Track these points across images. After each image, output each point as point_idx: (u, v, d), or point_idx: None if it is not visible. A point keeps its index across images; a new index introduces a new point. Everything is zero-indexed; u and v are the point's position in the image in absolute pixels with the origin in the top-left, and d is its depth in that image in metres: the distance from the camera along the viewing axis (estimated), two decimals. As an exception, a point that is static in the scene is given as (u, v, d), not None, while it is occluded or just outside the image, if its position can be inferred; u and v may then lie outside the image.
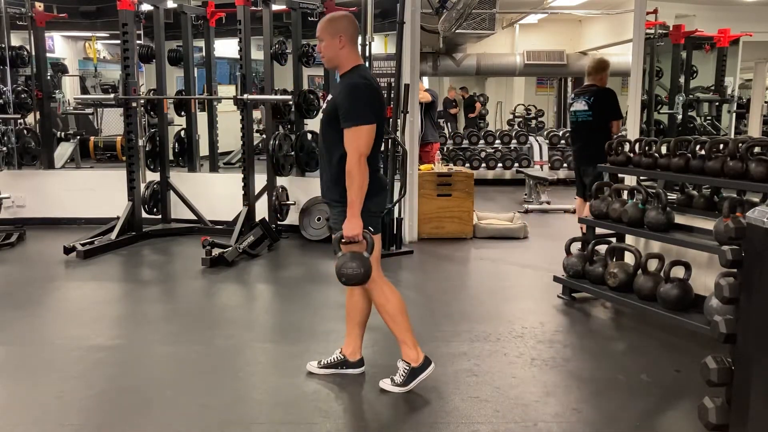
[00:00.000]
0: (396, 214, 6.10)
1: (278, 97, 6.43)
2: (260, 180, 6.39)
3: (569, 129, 6.43)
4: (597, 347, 3.83)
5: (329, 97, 3.05)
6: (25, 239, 6.40)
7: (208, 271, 5.35)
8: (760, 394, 2.03)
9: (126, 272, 5.62)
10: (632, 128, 5.07)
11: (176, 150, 7.32)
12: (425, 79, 12.59)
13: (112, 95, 7.31)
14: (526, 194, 9.19)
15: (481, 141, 11.23)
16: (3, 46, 6.87)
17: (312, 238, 6.42)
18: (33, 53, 7.10)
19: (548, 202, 8.64)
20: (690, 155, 4.00)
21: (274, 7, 6.74)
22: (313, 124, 7.24)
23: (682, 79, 6.28)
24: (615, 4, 9.94)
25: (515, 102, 14.27)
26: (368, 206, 2.96)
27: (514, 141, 11.19)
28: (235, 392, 3.16)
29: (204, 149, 7.79)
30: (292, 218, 6.65)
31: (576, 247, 4.64)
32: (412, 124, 6.38)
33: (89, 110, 10.89)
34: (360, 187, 2.84)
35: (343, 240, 2.91)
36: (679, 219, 4.17)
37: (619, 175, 4.74)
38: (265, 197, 6.44)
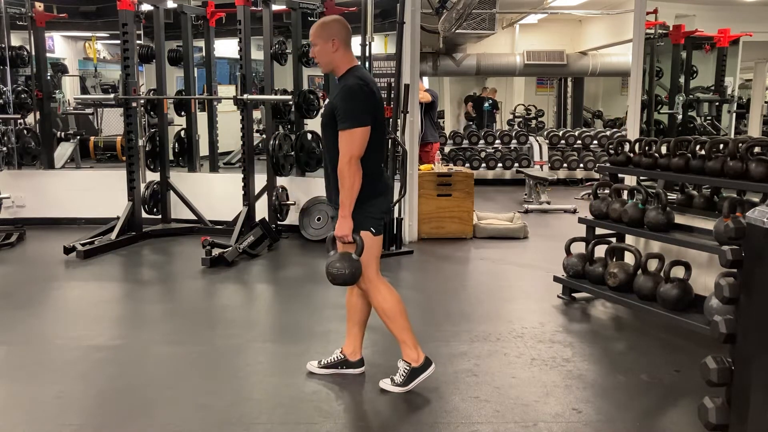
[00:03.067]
0: (396, 214, 6.10)
1: (278, 97, 6.43)
2: (260, 180, 6.39)
3: None
4: (597, 347, 3.83)
5: (327, 100, 3.05)
6: (25, 239, 6.40)
7: (208, 271, 5.35)
8: (760, 394, 2.03)
9: (126, 272, 5.62)
10: (632, 128, 5.07)
11: (176, 150, 7.32)
12: (425, 79, 12.58)
13: (112, 95, 7.30)
14: (526, 194, 9.19)
15: (481, 141, 11.24)
16: (3, 46, 6.87)
17: (312, 238, 6.42)
18: (33, 53, 7.10)
19: (548, 202, 8.64)
20: (690, 155, 4.00)
21: (274, 7, 6.74)
22: (313, 124, 7.25)
23: (682, 79, 6.28)
24: (615, 4, 9.94)
25: (515, 102, 14.25)
26: (371, 208, 2.99)
27: (514, 141, 11.19)
28: (235, 392, 3.16)
29: (204, 149, 7.79)
30: (292, 218, 6.65)
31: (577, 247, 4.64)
32: (412, 124, 6.38)
33: (89, 110, 10.88)
34: (351, 188, 2.86)
35: (335, 239, 2.97)
36: (679, 219, 4.17)
37: (619, 175, 4.74)
38: (265, 197, 6.44)
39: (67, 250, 5.71)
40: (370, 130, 2.89)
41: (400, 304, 3.10)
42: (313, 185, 6.63)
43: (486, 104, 13.60)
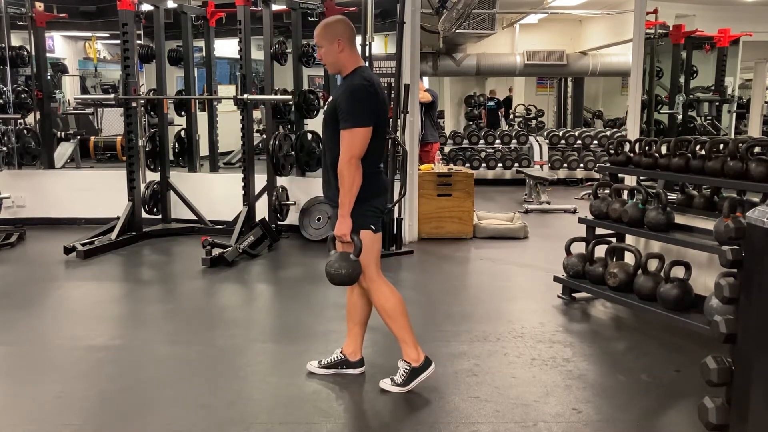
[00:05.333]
0: (396, 214, 6.10)
1: (278, 97, 6.43)
2: (260, 180, 6.39)
3: None
4: (597, 347, 3.83)
5: (330, 98, 3.05)
6: (25, 239, 6.40)
7: (208, 271, 5.35)
8: (760, 394, 2.03)
9: (126, 272, 5.62)
10: (632, 128, 5.07)
11: (176, 150, 7.32)
12: (425, 79, 12.59)
13: (112, 95, 7.31)
14: (526, 194, 9.19)
15: (481, 141, 11.24)
16: (3, 46, 6.87)
17: (312, 238, 6.43)
18: (33, 53, 7.10)
19: (548, 202, 8.64)
20: (690, 155, 4.00)
21: (274, 7, 6.74)
22: (313, 124, 7.26)
23: (682, 79, 6.28)
24: (615, 4, 9.94)
25: (515, 102, 14.26)
26: (371, 206, 3.00)
27: (514, 141, 11.20)
28: (235, 392, 3.16)
29: (204, 149, 7.79)
30: (292, 218, 6.65)
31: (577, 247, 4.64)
32: (412, 124, 6.38)
33: (89, 110, 10.89)
34: (351, 188, 2.86)
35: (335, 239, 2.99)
36: (679, 219, 4.17)
37: (619, 175, 4.74)
38: (265, 197, 6.44)
39: (67, 250, 5.71)
40: (372, 130, 2.89)
41: (402, 304, 3.10)
42: (313, 185, 6.63)
43: (490, 103, 13.61)
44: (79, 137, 9.52)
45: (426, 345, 3.33)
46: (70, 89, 11.31)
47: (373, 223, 3.03)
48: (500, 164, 11.00)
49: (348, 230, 2.91)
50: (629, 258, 4.37)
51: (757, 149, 3.74)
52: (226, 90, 9.81)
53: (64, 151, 9.07)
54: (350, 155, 2.84)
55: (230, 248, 5.56)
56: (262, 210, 6.36)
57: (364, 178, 2.92)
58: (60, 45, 11.84)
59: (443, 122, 14.32)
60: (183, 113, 7.43)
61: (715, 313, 3.29)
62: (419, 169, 6.61)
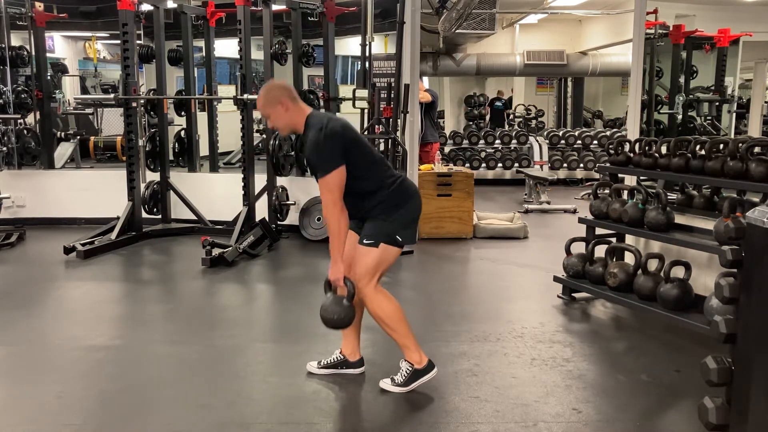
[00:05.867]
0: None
1: (278, 97, 6.43)
2: (260, 180, 6.39)
3: None
4: (597, 347, 3.83)
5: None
6: (25, 239, 6.40)
7: (208, 271, 5.35)
8: (760, 394, 2.04)
9: (126, 272, 5.62)
10: (632, 128, 5.07)
11: (176, 150, 7.32)
12: (425, 79, 12.58)
13: (112, 95, 7.32)
14: (526, 194, 9.19)
15: (481, 141, 11.24)
16: (3, 46, 6.87)
17: (312, 238, 6.43)
18: (33, 53, 7.10)
19: (548, 202, 8.64)
20: (690, 155, 4.00)
21: (274, 7, 6.75)
22: (313, 124, 7.26)
23: (682, 79, 6.28)
24: (615, 4, 9.94)
25: (515, 102, 14.25)
26: (399, 217, 3.04)
27: (514, 141, 11.20)
28: (235, 392, 3.16)
29: (204, 149, 7.79)
30: (292, 218, 6.65)
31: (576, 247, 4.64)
32: (412, 124, 6.38)
33: (89, 110, 10.89)
34: (338, 234, 2.92)
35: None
36: (679, 219, 4.17)
37: (619, 175, 4.74)
38: (265, 197, 6.44)
39: (67, 250, 5.71)
40: (352, 151, 2.94)
41: (398, 311, 3.09)
42: (313, 185, 6.57)
43: (498, 103, 13.62)
44: (79, 137, 9.52)
45: (426, 345, 3.33)
46: (70, 89, 11.31)
47: (402, 233, 3.05)
48: (500, 164, 11.00)
49: (341, 275, 2.96)
50: (629, 258, 4.37)
51: (757, 149, 3.74)
52: (226, 90, 9.80)
53: (64, 151, 9.07)
54: (331, 200, 2.91)
55: (230, 248, 5.56)
56: (262, 210, 6.36)
57: (380, 192, 3.00)
58: (60, 45, 11.84)
59: (443, 122, 14.31)
60: (183, 113, 7.44)
61: (715, 313, 3.29)
62: (419, 169, 6.61)
